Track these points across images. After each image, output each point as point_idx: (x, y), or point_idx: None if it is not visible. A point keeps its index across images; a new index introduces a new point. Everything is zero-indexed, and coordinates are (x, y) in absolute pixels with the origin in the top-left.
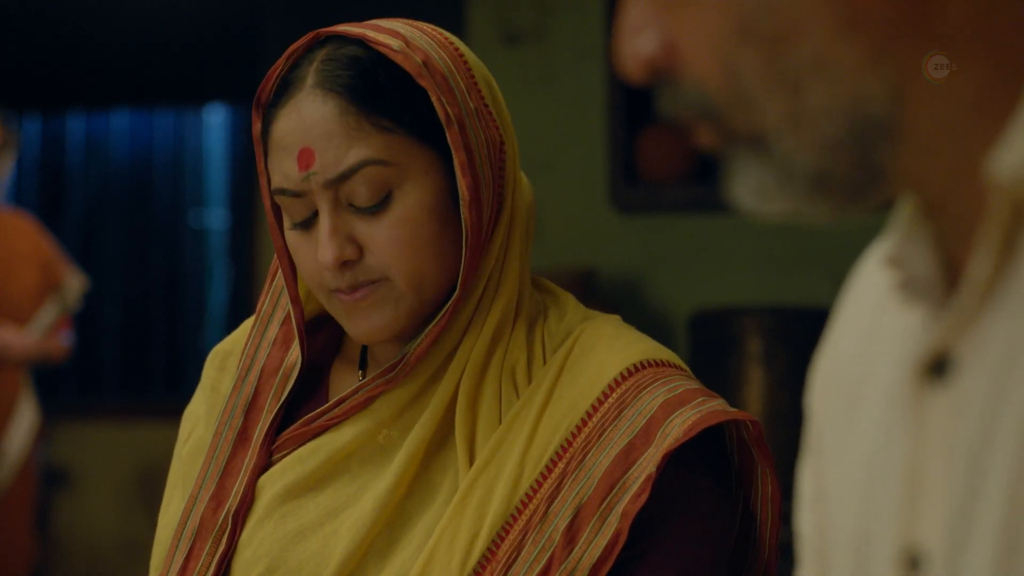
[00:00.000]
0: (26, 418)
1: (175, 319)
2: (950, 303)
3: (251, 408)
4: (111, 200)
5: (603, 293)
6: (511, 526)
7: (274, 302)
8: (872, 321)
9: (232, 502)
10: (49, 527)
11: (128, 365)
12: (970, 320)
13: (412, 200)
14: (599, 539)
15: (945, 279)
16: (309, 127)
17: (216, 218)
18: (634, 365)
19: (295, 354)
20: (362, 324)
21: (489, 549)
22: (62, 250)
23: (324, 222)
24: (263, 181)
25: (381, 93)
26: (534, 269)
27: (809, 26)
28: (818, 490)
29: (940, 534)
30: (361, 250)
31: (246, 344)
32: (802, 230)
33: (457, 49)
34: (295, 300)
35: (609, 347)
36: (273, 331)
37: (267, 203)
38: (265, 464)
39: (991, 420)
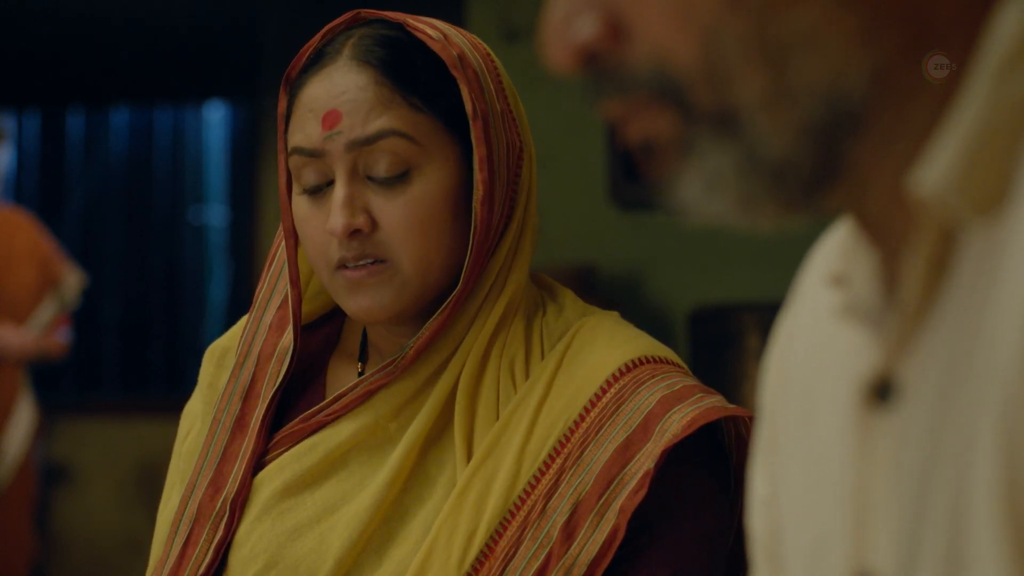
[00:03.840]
0: (25, 415)
1: (174, 316)
2: (888, 326)
3: (248, 395)
4: (111, 197)
5: (603, 289)
6: (509, 522)
7: (271, 288)
8: (822, 327)
9: (230, 488)
10: (49, 524)
11: (128, 362)
12: (908, 344)
13: (431, 183)
14: (597, 535)
15: (888, 301)
16: (340, 92)
17: (216, 215)
18: (632, 361)
19: (289, 338)
20: (363, 301)
21: (487, 545)
22: (62, 247)
23: (339, 189)
24: (281, 159)
25: (416, 73)
26: (534, 265)
27: None
28: (772, 494)
29: (890, 560)
30: (373, 224)
31: (244, 330)
32: (807, 219)
33: (489, 55)
34: (294, 282)
35: (607, 343)
36: (270, 316)
37: (282, 181)
38: (262, 451)
39: (934, 445)
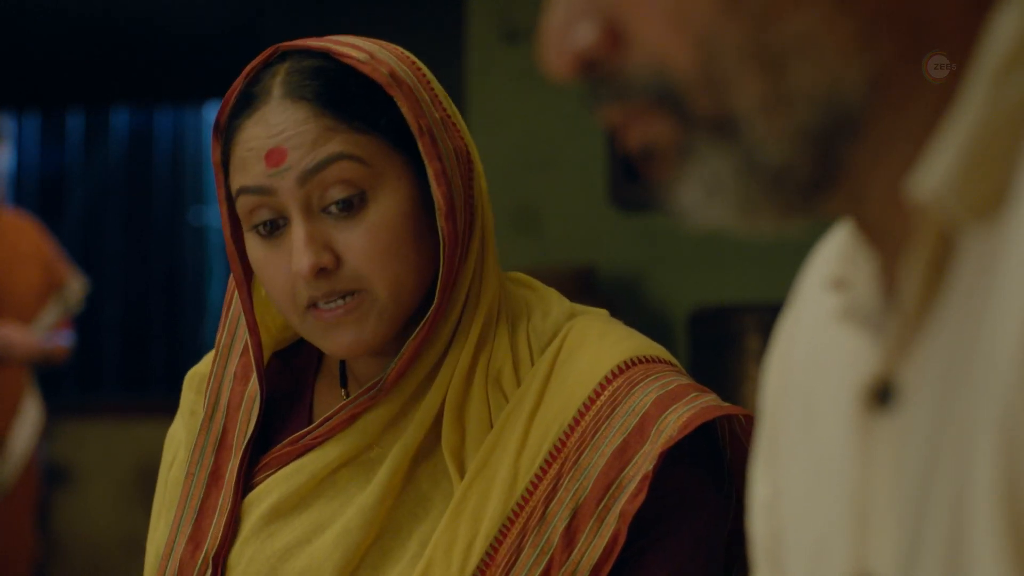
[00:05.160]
0: (31, 416)
1: (175, 317)
2: (887, 329)
3: (221, 446)
4: (111, 198)
5: (603, 291)
6: (508, 529)
7: (231, 334)
8: (823, 331)
9: (210, 545)
10: (50, 525)
11: (128, 363)
12: (908, 347)
13: (389, 205)
14: (598, 540)
15: (888, 304)
16: (279, 132)
17: (216, 216)
18: (624, 362)
19: (254, 387)
20: (343, 339)
21: (488, 553)
22: (62, 248)
23: (298, 229)
24: (222, 209)
25: (352, 99)
26: (534, 267)
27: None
28: (773, 496)
29: (890, 562)
30: (337, 259)
31: (209, 380)
32: (806, 224)
33: (415, 63)
34: (253, 330)
35: (598, 344)
36: (233, 365)
37: (226, 231)
38: (239, 504)
39: (934, 447)
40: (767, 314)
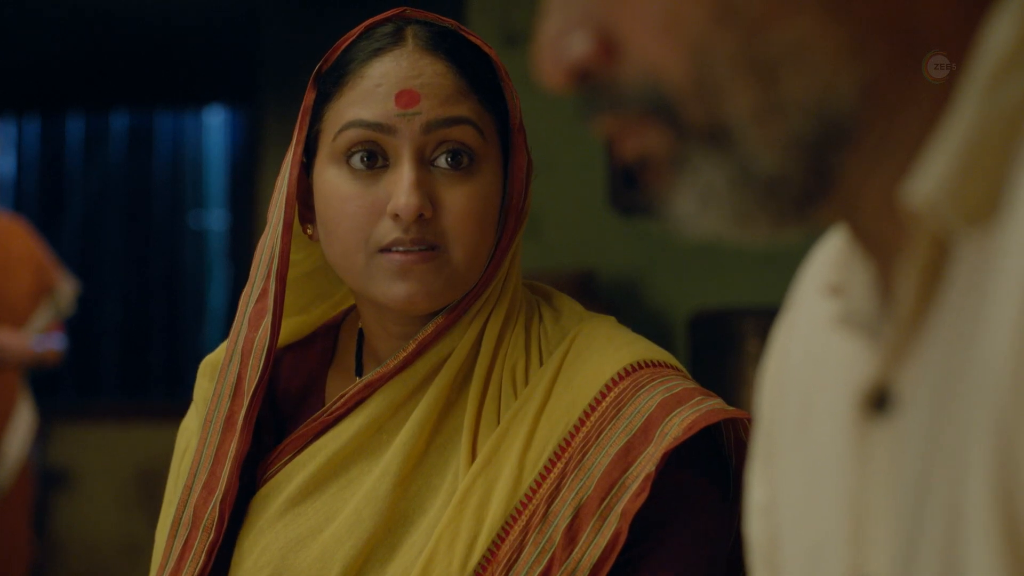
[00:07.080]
0: (24, 419)
1: (174, 320)
2: (884, 336)
3: (236, 393)
4: (110, 201)
5: (603, 294)
6: (511, 527)
7: (251, 283)
8: (819, 336)
9: (220, 491)
10: (48, 529)
11: (127, 366)
12: (904, 353)
13: (488, 179)
14: (599, 539)
15: (884, 310)
16: (415, 75)
17: (215, 219)
18: (631, 365)
19: (264, 331)
20: (407, 286)
21: (489, 550)
22: (62, 251)
23: (408, 172)
24: (298, 151)
25: (483, 74)
26: (534, 270)
27: (797, 8)
28: (770, 500)
29: (887, 566)
30: (434, 210)
31: (232, 328)
32: (801, 231)
33: None
34: (282, 276)
35: (605, 348)
36: (249, 311)
37: (294, 172)
38: (248, 449)
39: (930, 453)
40: (767, 318)
